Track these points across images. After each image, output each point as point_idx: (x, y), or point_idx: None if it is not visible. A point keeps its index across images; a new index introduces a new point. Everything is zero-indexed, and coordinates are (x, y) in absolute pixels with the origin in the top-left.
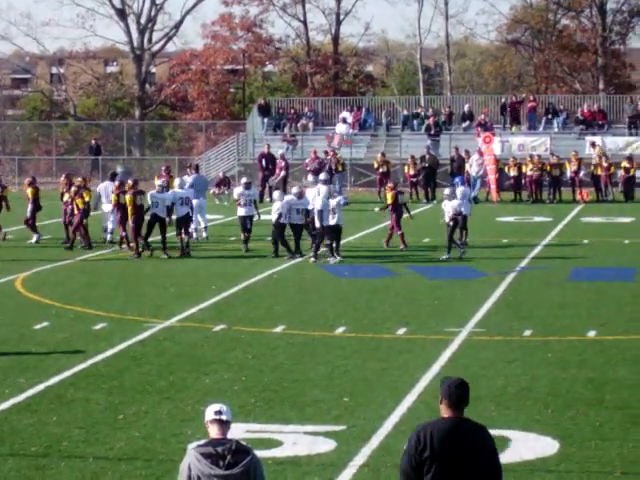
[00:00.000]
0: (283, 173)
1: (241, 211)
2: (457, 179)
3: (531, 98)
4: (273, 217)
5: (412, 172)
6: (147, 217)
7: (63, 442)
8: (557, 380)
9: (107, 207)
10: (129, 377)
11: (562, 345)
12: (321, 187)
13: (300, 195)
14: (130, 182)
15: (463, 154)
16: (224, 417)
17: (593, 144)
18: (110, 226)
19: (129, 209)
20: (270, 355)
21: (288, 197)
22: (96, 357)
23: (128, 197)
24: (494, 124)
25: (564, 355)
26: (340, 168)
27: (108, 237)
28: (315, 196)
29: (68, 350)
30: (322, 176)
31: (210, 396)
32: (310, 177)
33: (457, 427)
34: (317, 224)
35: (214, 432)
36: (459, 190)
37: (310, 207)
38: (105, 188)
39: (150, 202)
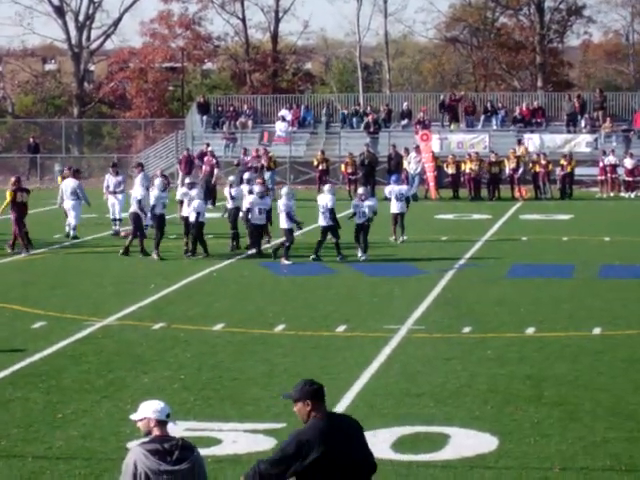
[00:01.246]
0: (217, 171)
1: (184, 211)
2: (393, 177)
3: (467, 104)
4: (243, 211)
5: (350, 170)
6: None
7: (1, 441)
8: (496, 377)
9: (68, 204)
10: (68, 376)
11: (501, 342)
12: (252, 188)
13: (262, 195)
14: (12, 179)
15: (402, 152)
16: (166, 415)
17: (519, 141)
18: (73, 222)
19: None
20: (209, 353)
21: (251, 197)
22: (35, 356)
23: (8, 193)
24: (433, 122)
25: (503, 352)
26: (272, 165)
27: (72, 233)
28: (245, 195)
29: (6, 349)
30: (246, 175)
31: (149, 394)
32: (247, 175)
33: (335, 421)
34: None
35: (157, 430)
36: (388, 189)
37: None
38: (66, 185)
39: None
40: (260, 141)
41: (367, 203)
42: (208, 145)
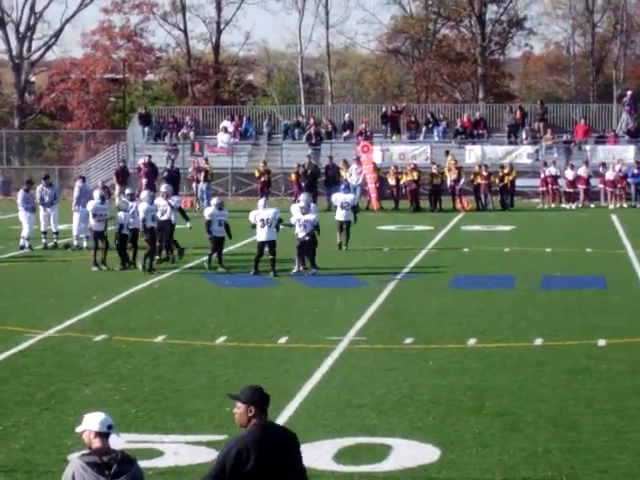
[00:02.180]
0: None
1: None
2: (342, 186)
3: (412, 119)
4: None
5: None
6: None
7: None
8: (438, 388)
9: (21, 215)
10: (8, 388)
11: (442, 353)
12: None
13: (221, 206)
14: None
15: (340, 164)
16: (107, 427)
17: (447, 152)
18: (26, 232)
19: None
20: (151, 365)
21: (209, 209)
22: None
23: None
24: (375, 133)
25: (444, 363)
26: (210, 177)
27: (26, 243)
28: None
29: None
30: (163, 188)
31: (91, 406)
32: (164, 188)
33: (273, 431)
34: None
35: (97, 442)
36: (335, 197)
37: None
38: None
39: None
40: (192, 152)
41: (308, 217)
42: (150, 157)
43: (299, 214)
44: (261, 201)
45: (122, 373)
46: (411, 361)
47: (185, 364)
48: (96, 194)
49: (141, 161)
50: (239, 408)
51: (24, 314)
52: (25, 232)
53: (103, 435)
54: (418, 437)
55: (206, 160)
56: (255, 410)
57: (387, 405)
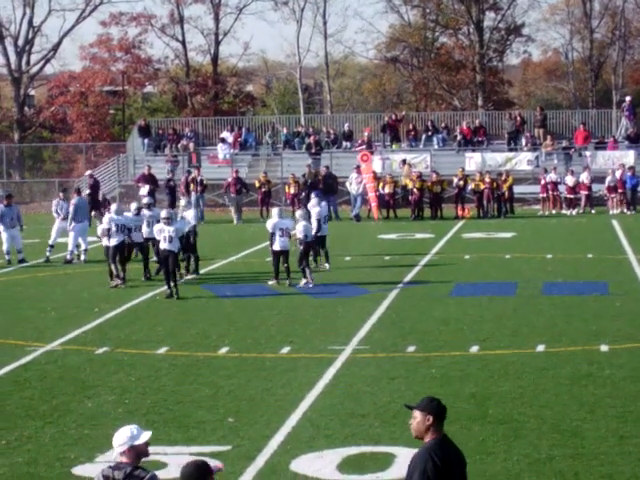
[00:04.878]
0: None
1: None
2: (313, 193)
3: (410, 127)
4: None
5: (292, 191)
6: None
7: None
8: (440, 395)
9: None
10: (11, 402)
11: (445, 361)
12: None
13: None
14: None
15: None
16: (129, 443)
17: (404, 161)
18: (5, 246)
19: None
20: (153, 377)
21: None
22: None
23: None
24: (375, 142)
25: (447, 370)
26: (200, 189)
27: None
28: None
29: None
30: (145, 200)
31: (94, 419)
32: (183, 200)
33: (453, 445)
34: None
35: (119, 456)
36: (314, 210)
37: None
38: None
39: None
40: (189, 163)
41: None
42: (150, 167)
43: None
44: (276, 210)
45: (124, 385)
46: (414, 369)
47: (187, 375)
48: (133, 206)
49: (147, 171)
50: (416, 417)
51: (26, 328)
52: (5, 246)
53: (125, 450)
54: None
55: (198, 170)
56: (439, 422)
57: (390, 414)
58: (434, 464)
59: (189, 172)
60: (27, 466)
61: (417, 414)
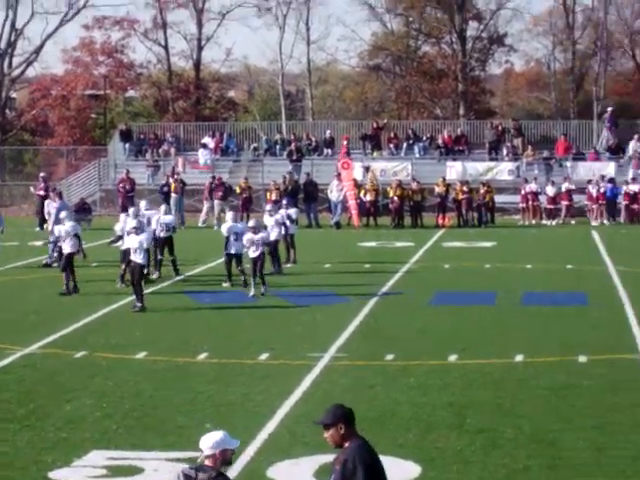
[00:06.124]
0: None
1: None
2: (284, 200)
3: (392, 135)
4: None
5: (274, 197)
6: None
7: None
8: (419, 404)
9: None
10: None
11: (423, 369)
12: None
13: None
14: None
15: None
16: (222, 446)
17: (367, 168)
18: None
19: None
20: (132, 382)
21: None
22: None
23: None
24: (356, 150)
25: (425, 379)
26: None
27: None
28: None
29: None
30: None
31: (71, 423)
32: (164, 206)
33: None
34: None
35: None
36: (277, 215)
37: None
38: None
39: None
40: (173, 170)
41: (259, 236)
42: (128, 172)
43: (250, 234)
44: (230, 214)
45: (103, 390)
46: (392, 377)
47: (166, 381)
48: (163, 208)
49: (125, 175)
50: (328, 432)
51: (4, 330)
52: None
53: (209, 454)
54: (399, 454)
55: (177, 173)
56: (345, 427)
57: (368, 422)
58: (373, 457)
59: (213, 177)
60: (3, 469)
61: (329, 430)
